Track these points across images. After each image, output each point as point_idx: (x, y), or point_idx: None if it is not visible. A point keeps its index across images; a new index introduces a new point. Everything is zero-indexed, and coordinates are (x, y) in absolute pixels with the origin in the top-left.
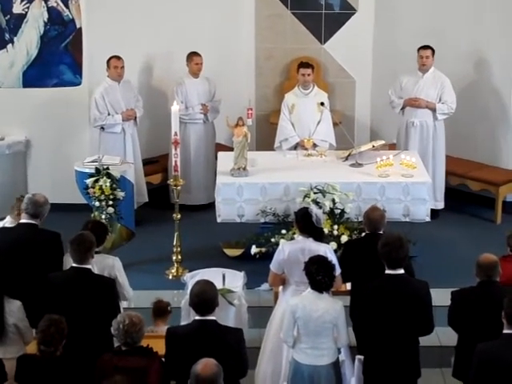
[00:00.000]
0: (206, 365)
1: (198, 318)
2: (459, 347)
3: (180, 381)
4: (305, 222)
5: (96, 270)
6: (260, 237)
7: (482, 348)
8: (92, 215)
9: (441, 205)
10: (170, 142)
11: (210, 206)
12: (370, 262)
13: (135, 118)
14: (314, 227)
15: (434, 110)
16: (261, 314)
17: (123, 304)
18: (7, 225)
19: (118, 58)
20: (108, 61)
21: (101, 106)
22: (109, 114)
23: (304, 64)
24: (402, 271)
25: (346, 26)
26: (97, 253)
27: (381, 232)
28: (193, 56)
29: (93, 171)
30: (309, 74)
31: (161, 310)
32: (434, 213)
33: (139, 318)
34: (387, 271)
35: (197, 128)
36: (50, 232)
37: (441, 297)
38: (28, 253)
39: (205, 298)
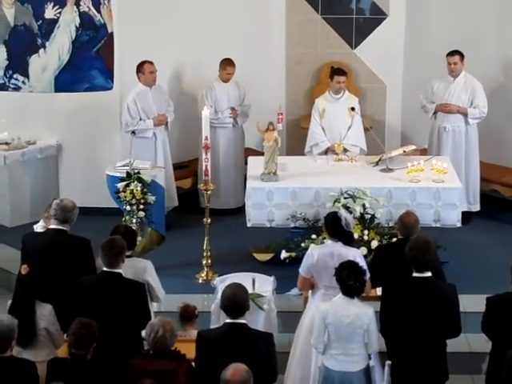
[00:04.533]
0: (236, 370)
1: (228, 320)
2: (493, 354)
3: None
4: (334, 226)
5: (129, 275)
6: (290, 242)
7: None
8: (123, 219)
9: (476, 207)
10: (199, 147)
11: (239, 211)
12: (402, 268)
13: (166, 122)
14: (343, 231)
15: (465, 115)
16: (290, 319)
17: (153, 307)
18: (39, 229)
19: (151, 63)
20: (141, 66)
21: (133, 110)
22: (140, 119)
23: (339, 71)
24: (429, 274)
25: (376, 30)
26: (129, 257)
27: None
28: (226, 65)
29: (124, 175)
30: (343, 82)
31: (188, 315)
32: (466, 218)
33: (172, 327)
34: (414, 274)
35: (226, 132)
36: (79, 238)
37: (472, 302)
38: (58, 259)
39: (236, 301)
